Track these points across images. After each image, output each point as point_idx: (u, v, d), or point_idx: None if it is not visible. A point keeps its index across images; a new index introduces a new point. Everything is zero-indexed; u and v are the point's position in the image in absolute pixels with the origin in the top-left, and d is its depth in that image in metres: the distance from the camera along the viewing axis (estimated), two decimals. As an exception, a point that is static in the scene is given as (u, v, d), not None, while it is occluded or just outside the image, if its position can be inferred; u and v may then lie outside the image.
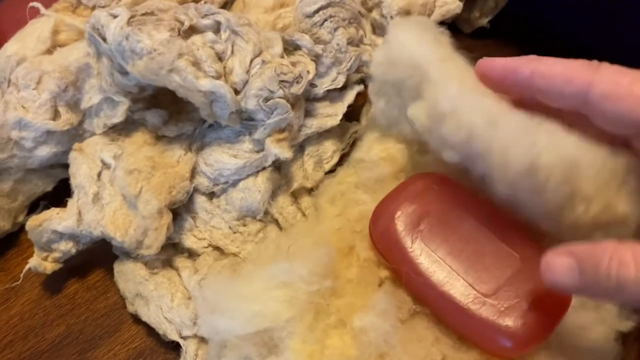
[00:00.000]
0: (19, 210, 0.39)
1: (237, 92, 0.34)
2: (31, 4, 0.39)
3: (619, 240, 0.24)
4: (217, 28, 0.34)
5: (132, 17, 0.33)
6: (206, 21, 0.34)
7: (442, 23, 0.44)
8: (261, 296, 0.27)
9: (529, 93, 0.27)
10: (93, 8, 0.39)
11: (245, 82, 0.34)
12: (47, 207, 0.39)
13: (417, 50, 0.30)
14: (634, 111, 0.23)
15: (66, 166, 0.39)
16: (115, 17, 0.33)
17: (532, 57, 0.27)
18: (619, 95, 0.24)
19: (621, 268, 0.22)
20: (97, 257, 0.38)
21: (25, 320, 0.36)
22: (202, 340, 0.32)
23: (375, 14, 0.44)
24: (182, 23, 0.33)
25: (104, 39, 0.33)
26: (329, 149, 0.39)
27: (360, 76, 0.43)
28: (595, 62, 0.25)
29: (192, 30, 0.34)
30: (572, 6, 0.48)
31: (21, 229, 0.39)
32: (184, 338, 0.32)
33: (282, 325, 0.26)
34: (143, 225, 0.33)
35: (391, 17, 0.43)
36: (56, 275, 0.36)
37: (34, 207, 0.40)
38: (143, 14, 0.33)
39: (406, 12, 0.43)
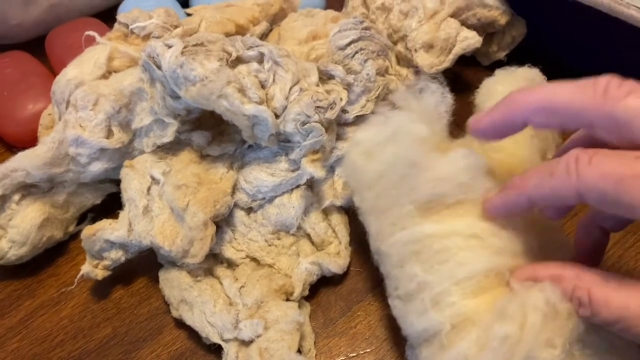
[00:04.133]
0: (70, 221, 0.42)
1: (277, 116, 0.37)
2: (87, 32, 0.43)
3: None
4: (260, 59, 0.38)
5: (185, 47, 0.36)
6: (251, 52, 0.37)
7: (462, 56, 0.47)
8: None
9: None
10: (144, 37, 0.43)
11: (285, 108, 0.37)
12: (94, 219, 0.42)
13: None
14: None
15: (114, 181, 0.42)
16: (170, 47, 0.36)
17: (516, 94, 0.27)
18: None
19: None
20: (140, 266, 0.40)
21: (75, 322, 0.38)
22: (242, 343, 0.34)
23: (400, 47, 0.48)
24: (229, 54, 0.37)
25: (159, 67, 0.37)
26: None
27: (385, 104, 0.46)
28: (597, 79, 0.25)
29: (238, 60, 0.37)
30: (584, 43, 0.51)
31: (70, 238, 0.43)
32: (225, 341, 0.35)
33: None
34: (189, 236, 0.36)
35: (415, 50, 0.46)
36: (103, 282, 0.39)
37: (82, 218, 0.43)
38: (194, 45, 0.37)
39: (429, 46, 0.46)
